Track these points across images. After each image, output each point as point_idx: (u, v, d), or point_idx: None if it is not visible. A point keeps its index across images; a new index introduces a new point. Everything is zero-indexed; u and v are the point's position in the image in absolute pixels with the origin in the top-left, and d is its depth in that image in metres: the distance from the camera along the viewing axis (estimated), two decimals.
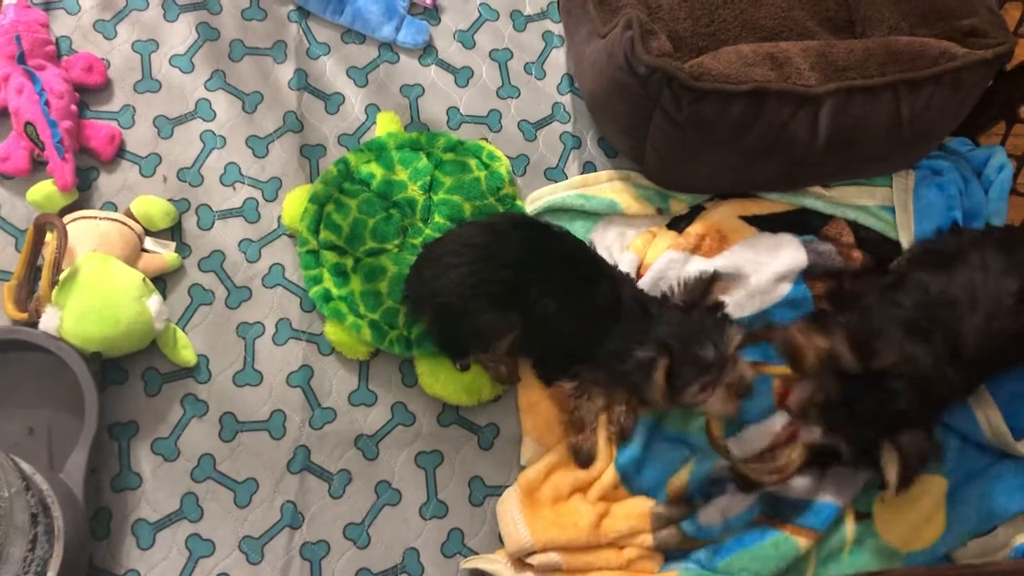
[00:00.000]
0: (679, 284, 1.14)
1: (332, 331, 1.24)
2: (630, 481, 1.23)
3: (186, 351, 1.22)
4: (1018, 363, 1.23)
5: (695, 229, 1.33)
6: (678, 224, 1.37)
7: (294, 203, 1.29)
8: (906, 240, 1.34)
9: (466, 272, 1.11)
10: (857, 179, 1.40)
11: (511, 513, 1.19)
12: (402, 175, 1.31)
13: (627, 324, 1.13)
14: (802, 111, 1.22)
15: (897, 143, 1.30)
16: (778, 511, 1.20)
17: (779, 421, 1.23)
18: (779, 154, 1.27)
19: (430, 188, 1.31)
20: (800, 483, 1.20)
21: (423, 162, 1.32)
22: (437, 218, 1.29)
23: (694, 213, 1.38)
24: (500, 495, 1.23)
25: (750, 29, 1.36)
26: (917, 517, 1.20)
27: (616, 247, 1.36)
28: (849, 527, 1.21)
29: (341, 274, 1.24)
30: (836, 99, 1.22)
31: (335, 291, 1.24)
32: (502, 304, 1.12)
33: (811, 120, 1.23)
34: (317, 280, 1.25)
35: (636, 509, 1.20)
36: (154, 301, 1.17)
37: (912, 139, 1.30)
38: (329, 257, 1.25)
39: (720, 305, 1.14)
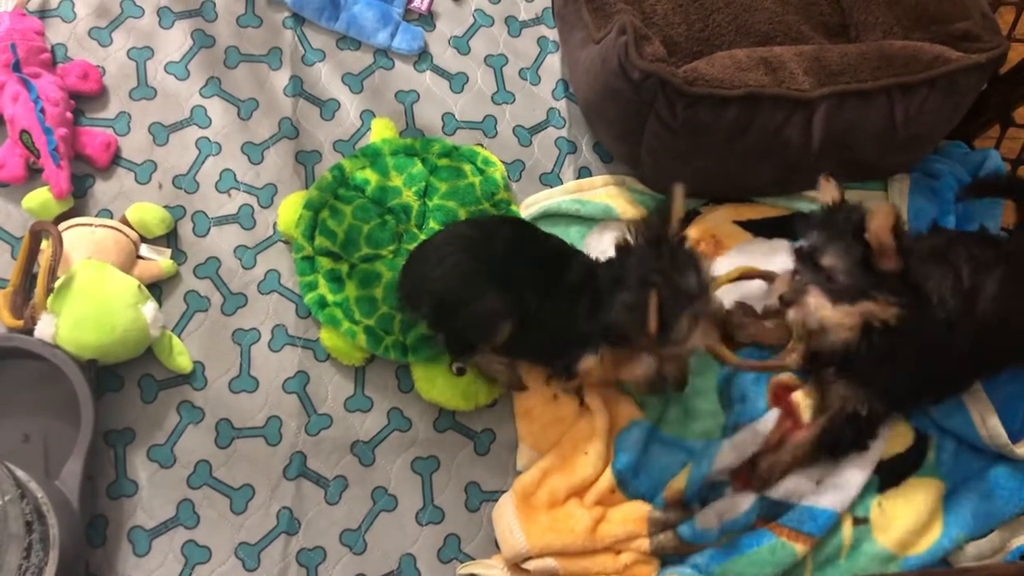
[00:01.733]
0: (633, 227, 1.11)
1: (328, 337, 1.24)
2: (627, 486, 1.22)
3: (182, 358, 1.22)
4: (1009, 362, 1.24)
5: (690, 234, 1.33)
6: None
7: (289, 209, 1.29)
8: None
9: (462, 258, 1.11)
10: (852, 183, 1.40)
11: (507, 518, 1.19)
12: (397, 181, 1.31)
13: (605, 274, 1.12)
14: (796, 115, 1.23)
15: (891, 147, 1.30)
16: (775, 516, 1.19)
17: (772, 419, 1.23)
18: (773, 159, 1.27)
19: (425, 194, 1.31)
20: (798, 488, 1.20)
21: (418, 168, 1.32)
22: (432, 224, 1.29)
23: (689, 218, 1.38)
24: (496, 500, 1.23)
25: (744, 34, 1.36)
26: (914, 521, 1.20)
27: (612, 251, 1.36)
28: (846, 532, 1.20)
29: (336, 280, 1.24)
30: (830, 103, 1.23)
31: (330, 297, 1.24)
32: (500, 287, 1.11)
33: (805, 124, 1.23)
34: (312, 286, 1.25)
35: (633, 514, 1.20)
36: (149, 308, 1.17)
37: (906, 143, 1.30)
38: (324, 263, 1.25)
39: (683, 239, 1.10)
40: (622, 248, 1.13)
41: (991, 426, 1.23)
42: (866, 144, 1.28)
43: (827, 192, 1.15)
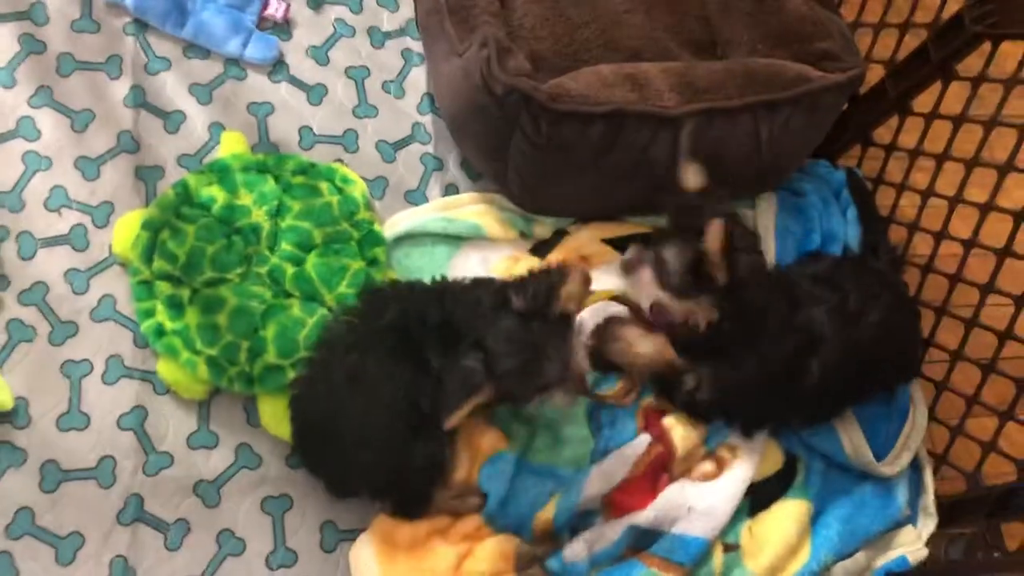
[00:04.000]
0: (522, 289, 1.04)
1: (166, 369, 1.14)
2: (494, 519, 1.17)
3: (1, 393, 1.10)
4: (877, 387, 1.25)
5: (556, 255, 1.31)
6: (541, 250, 1.34)
7: (125, 229, 1.19)
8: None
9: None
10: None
11: (365, 559, 1.12)
12: (246, 199, 1.23)
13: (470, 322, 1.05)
14: (662, 133, 1.20)
15: (757, 165, 1.29)
16: (646, 544, 1.16)
17: (642, 445, 1.20)
18: (640, 177, 1.25)
19: (277, 213, 1.23)
20: (668, 515, 1.17)
21: (270, 185, 1.24)
22: (285, 246, 1.21)
23: (557, 238, 1.35)
24: (354, 540, 1.15)
25: (612, 49, 1.33)
26: (783, 545, 1.19)
27: (479, 273, 1.31)
28: (717, 560, 1.18)
29: (176, 306, 1.15)
30: (696, 121, 1.20)
31: (169, 325, 1.14)
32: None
33: (671, 142, 1.21)
34: (150, 313, 1.15)
35: (499, 548, 1.14)
36: None
37: (772, 161, 1.29)
38: (163, 288, 1.16)
39: (568, 317, 1.05)
40: (503, 300, 1.05)
41: (857, 444, 1.24)
42: (732, 162, 1.26)
43: (691, 176, 1.14)
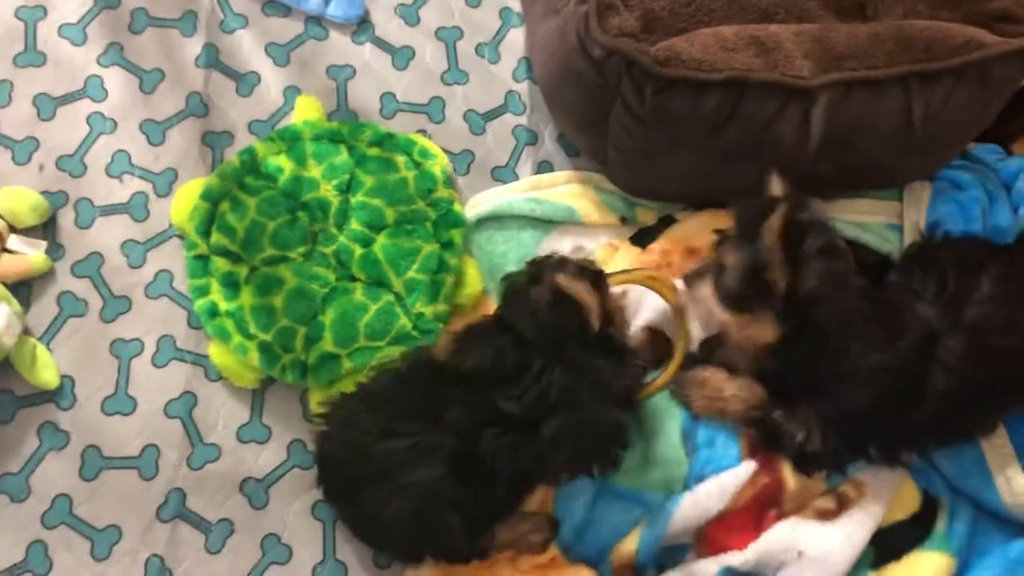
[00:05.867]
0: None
1: (217, 353, 1.05)
2: (570, 548, 1.04)
3: (47, 371, 1.04)
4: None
5: (660, 245, 1.15)
6: (643, 238, 1.18)
7: (185, 198, 1.11)
8: None
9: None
10: (861, 191, 1.19)
11: None
12: (315, 171, 1.12)
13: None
14: (791, 107, 1.03)
15: (906, 149, 1.10)
16: None
17: (745, 473, 1.04)
18: (762, 158, 1.06)
19: (348, 188, 1.12)
20: (774, 558, 1.00)
21: (342, 157, 1.13)
22: (354, 224, 1.10)
23: (663, 225, 1.19)
24: None
25: (740, 11, 1.15)
26: None
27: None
28: None
29: (232, 285, 1.06)
30: (833, 93, 1.02)
31: (223, 305, 1.05)
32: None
33: (802, 118, 1.03)
34: (204, 291, 1.06)
35: None
36: (2, 312, 0.98)
37: (925, 145, 1.09)
38: (220, 264, 1.06)
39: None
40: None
41: (1017, 489, 1.04)
42: (875, 144, 1.08)
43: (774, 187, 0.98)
